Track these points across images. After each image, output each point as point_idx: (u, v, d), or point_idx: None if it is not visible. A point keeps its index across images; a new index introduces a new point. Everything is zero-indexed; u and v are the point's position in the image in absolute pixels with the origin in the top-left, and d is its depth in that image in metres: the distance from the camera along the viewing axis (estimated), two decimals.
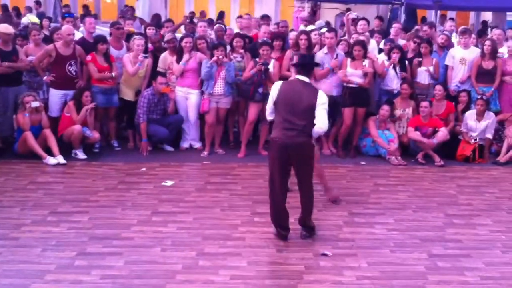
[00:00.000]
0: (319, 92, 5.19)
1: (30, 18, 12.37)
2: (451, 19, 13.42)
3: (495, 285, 4.72)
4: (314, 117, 5.11)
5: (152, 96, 7.98)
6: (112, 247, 5.18)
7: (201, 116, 8.27)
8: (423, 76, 8.55)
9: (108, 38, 8.40)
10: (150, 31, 9.21)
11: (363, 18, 9.86)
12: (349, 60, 8.10)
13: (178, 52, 8.20)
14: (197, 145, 8.38)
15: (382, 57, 8.55)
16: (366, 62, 8.08)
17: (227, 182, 7.02)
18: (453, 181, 7.36)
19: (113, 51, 8.29)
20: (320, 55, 8.17)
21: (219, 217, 5.96)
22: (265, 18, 10.24)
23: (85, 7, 16.12)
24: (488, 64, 8.60)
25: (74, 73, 7.95)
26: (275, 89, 5.29)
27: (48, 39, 8.72)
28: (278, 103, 5.24)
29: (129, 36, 8.83)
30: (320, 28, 9.97)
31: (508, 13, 15.39)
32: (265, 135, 8.34)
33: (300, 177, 5.33)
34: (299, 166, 5.27)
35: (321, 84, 8.14)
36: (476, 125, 8.24)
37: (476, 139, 8.18)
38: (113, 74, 8.02)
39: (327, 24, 11.54)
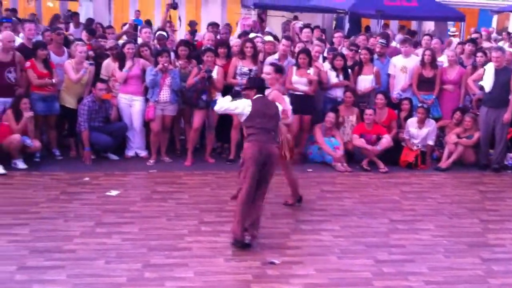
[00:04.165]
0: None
1: None
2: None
3: None
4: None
5: (93, 103, 7.79)
6: (53, 260, 5.00)
7: (146, 124, 8.14)
8: (363, 84, 8.70)
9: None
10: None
11: (307, 26, 10.01)
12: (294, 68, 8.17)
13: (120, 59, 8.06)
14: (143, 153, 8.24)
15: (326, 65, 8.65)
16: (311, 70, 8.17)
17: (174, 191, 6.92)
18: (396, 187, 7.51)
19: (54, 58, 8.07)
20: (270, 60, 8.24)
21: (165, 227, 5.85)
22: (214, 26, 10.18)
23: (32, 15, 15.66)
24: (428, 73, 8.85)
25: (13, 80, 7.66)
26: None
27: None
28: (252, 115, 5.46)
29: (67, 42, 8.62)
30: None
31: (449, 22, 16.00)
32: (212, 143, 8.31)
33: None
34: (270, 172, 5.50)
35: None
36: (418, 132, 8.45)
37: (418, 146, 8.38)
38: (54, 80, 7.80)
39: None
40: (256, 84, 5.74)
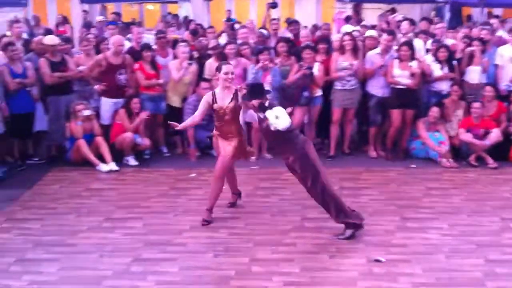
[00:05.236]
0: None
1: None
2: (496, 16, 13.16)
3: None
4: None
5: (197, 102, 8.03)
6: (166, 252, 5.26)
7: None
8: (473, 75, 8.36)
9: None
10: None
11: (407, 19, 9.75)
12: (396, 61, 8.01)
13: (222, 59, 8.25)
14: None
15: (430, 58, 8.39)
16: (413, 63, 7.97)
17: (276, 187, 7.02)
18: (507, 183, 7.17)
19: (160, 59, 8.43)
20: (372, 53, 8.14)
21: (270, 222, 5.97)
22: (293, 23, 10.13)
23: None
24: None
25: (124, 82, 8.10)
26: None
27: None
28: None
29: (175, 43, 8.95)
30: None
31: None
32: (312, 139, 8.32)
33: None
34: None
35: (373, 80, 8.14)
36: None
37: None
38: (160, 81, 8.15)
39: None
40: (266, 91, 5.77)
